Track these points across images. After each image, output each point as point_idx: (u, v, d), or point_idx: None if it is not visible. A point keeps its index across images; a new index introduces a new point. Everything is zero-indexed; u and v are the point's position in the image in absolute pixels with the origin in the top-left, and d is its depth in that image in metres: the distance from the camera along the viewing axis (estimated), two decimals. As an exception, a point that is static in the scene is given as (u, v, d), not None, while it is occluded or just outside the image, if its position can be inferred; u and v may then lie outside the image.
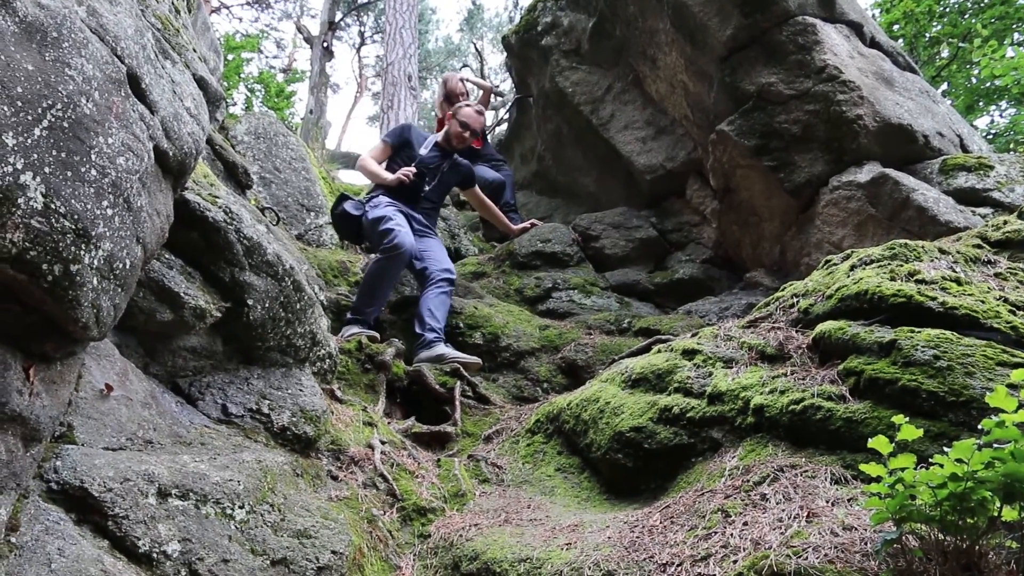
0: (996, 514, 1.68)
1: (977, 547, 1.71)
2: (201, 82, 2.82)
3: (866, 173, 5.02)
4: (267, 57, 27.98)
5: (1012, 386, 1.89)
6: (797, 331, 3.31)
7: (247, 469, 2.76)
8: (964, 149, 5.68)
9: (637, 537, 2.45)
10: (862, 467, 1.83)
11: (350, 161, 25.18)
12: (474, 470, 3.91)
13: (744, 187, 6.03)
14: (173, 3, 3.01)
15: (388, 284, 5.49)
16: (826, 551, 1.83)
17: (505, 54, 10.60)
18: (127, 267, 2.23)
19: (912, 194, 4.67)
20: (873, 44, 6.10)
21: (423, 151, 6.05)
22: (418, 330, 5.27)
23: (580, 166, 9.20)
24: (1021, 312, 2.88)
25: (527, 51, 9.53)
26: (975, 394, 2.38)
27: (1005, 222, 3.71)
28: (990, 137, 11.54)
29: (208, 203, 3.27)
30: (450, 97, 8.96)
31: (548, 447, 4.01)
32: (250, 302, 3.36)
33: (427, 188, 5.89)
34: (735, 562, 1.98)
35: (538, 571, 2.43)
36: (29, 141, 1.89)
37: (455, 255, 8.34)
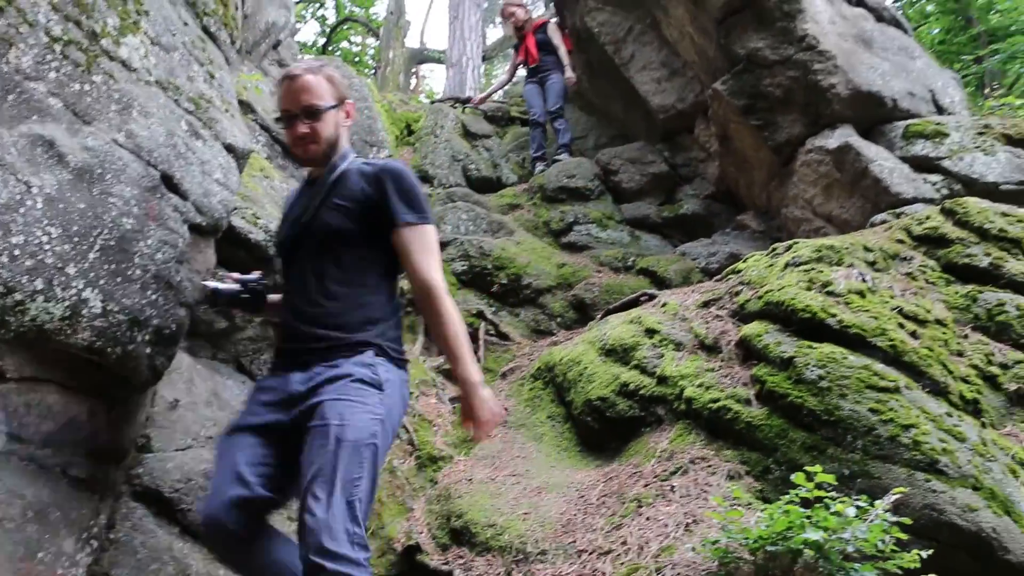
0: (799, 552, 1.99)
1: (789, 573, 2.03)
2: (230, 148, 3.08)
3: (836, 139, 4.98)
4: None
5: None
6: (733, 323, 3.52)
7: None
8: (936, 104, 5.52)
9: (573, 516, 2.83)
10: (706, 513, 2.14)
11: (426, 58, 24.82)
12: (484, 413, 4.31)
13: (737, 138, 6.02)
14: (208, 70, 3.23)
15: None
16: (680, 570, 2.17)
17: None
18: (174, 330, 2.59)
19: (870, 165, 4.66)
20: (859, 3, 5.85)
21: None
22: None
23: (610, 95, 9.10)
24: (910, 322, 3.04)
25: (561, -12, 9.29)
26: (843, 415, 2.62)
27: (928, 217, 3.73)
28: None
29: (251, 225, 3.60)
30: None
31: (544, 393, 4.35)
32: (291, 301, 3.73)
33: None
34: (622, 564, 2.34)
35: (499, 536, 2.85)
36: (86, 265, 2.24)
37: (497, 184, 8.49)
